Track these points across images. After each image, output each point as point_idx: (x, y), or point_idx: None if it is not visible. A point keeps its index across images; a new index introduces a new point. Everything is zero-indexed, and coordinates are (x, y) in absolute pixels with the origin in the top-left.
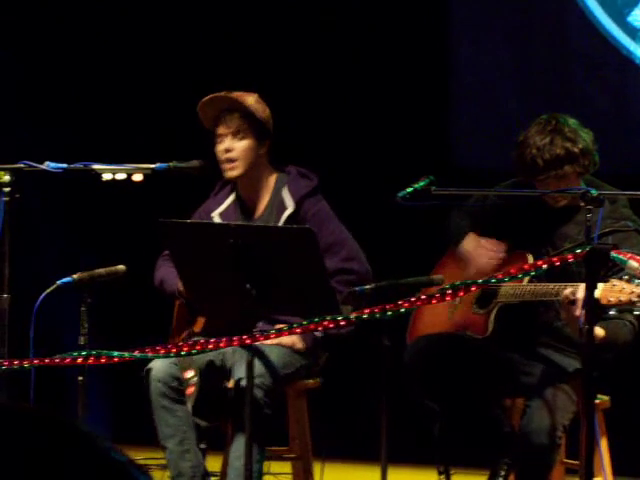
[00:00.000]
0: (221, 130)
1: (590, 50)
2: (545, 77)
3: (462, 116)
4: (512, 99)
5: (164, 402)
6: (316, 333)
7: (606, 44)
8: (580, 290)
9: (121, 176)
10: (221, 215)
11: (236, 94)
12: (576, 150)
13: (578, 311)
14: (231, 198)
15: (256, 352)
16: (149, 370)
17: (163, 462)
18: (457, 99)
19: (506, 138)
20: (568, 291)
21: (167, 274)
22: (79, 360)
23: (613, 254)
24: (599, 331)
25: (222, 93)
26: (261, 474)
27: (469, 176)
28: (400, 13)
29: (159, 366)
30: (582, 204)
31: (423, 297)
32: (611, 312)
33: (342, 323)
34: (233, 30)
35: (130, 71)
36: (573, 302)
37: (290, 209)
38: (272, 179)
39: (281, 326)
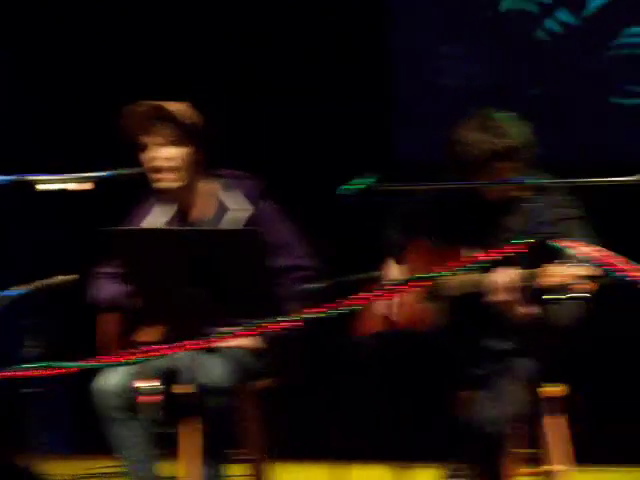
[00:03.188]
0: (152, 140)
1: (529, 39)
2: (490, 70)
3: (406, 110)
4: (457, 92)
5: (118, 414)
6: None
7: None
8: (501, 275)
9: (66, 186)
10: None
11: (165, 102)
12: (511, 145)
13: (506, 296)
14: (165, 208)
15: (212, 356)
16: (100, 382)
17: (121, 471)
18: (400, 93)
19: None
20: (495, 278)
21: (105, 291)
22: (34, 372)
23: (558, 242)
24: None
25: (148, 102)
26: None
27: (413, 170)
28: (338, 9)
29: (111, 378)
30: (524, 193)
31: (371, 294)
32: (555, 296)
33: (291, 323)
34: (160, 34)
35: (64, 78)
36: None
37: (241, 211)
38: (211, 185)
39: (230, 329)
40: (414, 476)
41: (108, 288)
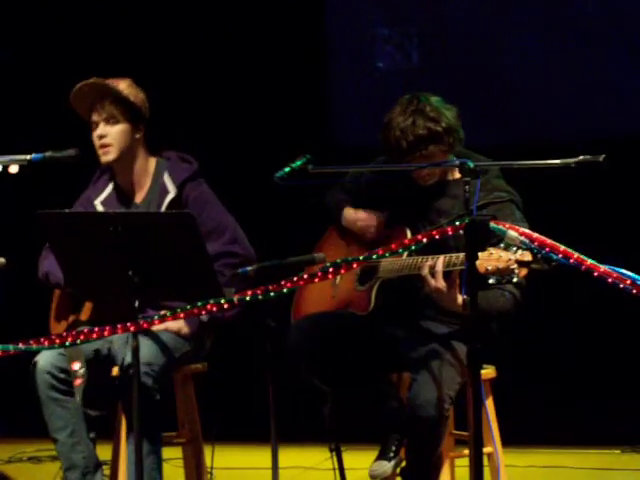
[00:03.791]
0: (95, 117)
1: (468, 24)
2: (426, 53)
3: (343, 94)
4: (391, 75)
5: (53, 394)
6: (201, 317)
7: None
8: (439, 262)
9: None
10: (103, 203)
11: (107, 80)
12: (439, 129)
13: (439, 283)
14: (111, 185)
15: (142, 338)
16: (36, 363)
17: (54, 454)
18: (335, 78)
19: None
20: (428, 264)
21: (51, 266)
22: None
23: (492, 225)
24: (459, 298)
25: (92, 80)
26: (160, 465)
27: (349, 153)
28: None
29: (46, 358)
30: (457, 177)
31: (305, 276)
32: (490, 281)
33: (225, 306)
34: (108, 15)
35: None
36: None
37: (172, 194)
38: (151, 164)
39: (165, 312)
40: (351, 457)
41: (49, 263)
